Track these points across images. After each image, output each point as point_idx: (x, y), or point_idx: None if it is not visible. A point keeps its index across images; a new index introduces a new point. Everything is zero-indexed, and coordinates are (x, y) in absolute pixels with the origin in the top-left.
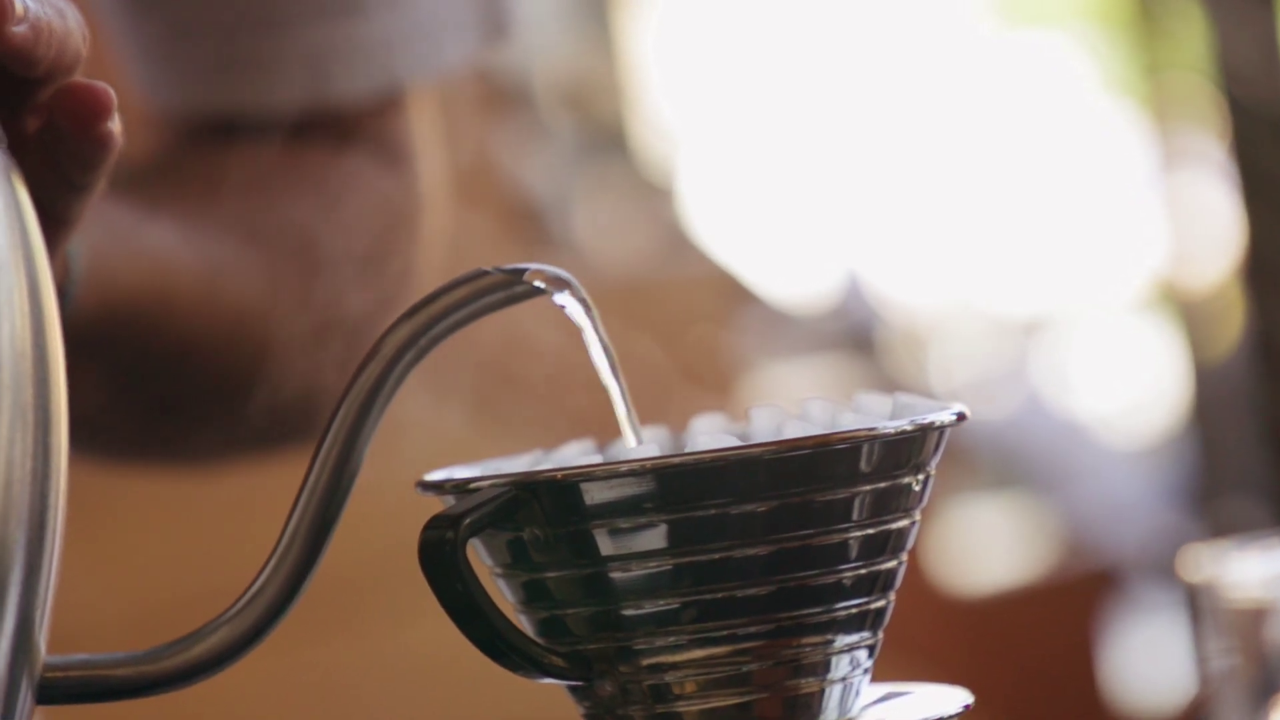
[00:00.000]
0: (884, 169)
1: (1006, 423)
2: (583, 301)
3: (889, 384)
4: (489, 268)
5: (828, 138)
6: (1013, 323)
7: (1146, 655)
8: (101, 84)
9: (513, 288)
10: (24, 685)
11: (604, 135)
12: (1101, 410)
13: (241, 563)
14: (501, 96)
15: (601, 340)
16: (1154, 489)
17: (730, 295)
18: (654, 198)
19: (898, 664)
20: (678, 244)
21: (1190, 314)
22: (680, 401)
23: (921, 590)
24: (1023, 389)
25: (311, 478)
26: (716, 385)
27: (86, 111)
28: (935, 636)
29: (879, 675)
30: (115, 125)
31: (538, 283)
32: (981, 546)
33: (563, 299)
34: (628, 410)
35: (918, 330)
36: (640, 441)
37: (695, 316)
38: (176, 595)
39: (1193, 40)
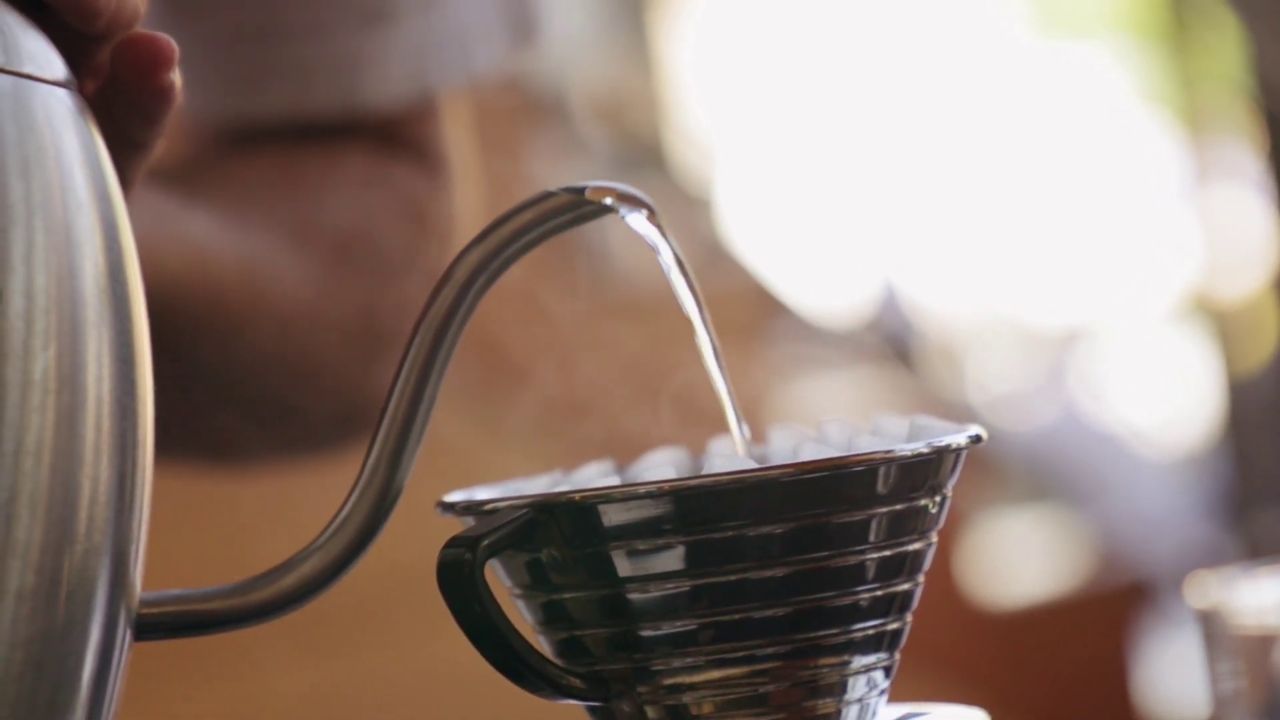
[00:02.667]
0: (920, 180)
1: (1040, 434)
2: (651, 214)
3: (924, 396)
4: (554, 189)
5: (863, 149)
6: (1048, 334)
7: (1178, 669)
8: (163, 35)
9: (580, 207)
10: (122, 621)
11: (639, 147)
12: (1136, 422)
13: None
14: (537, 109)
15: (674, 251)
16: (1188, 502)
17: (766, 308)
18: (689, 210)
19: (929, 676)
20: (713, 256)
21: (1225, 326)
22: (714, 414)
23: (954, 602)
24: (1057, 401)
25: (392, 403)
26: (751, 398)
27: (148, 61)
28: (967, 648)
29: (910, 686)
30: (176, 77)
31: (607, 200)
32: (1014, 558)
33: (630, 214)
34: (706, 325)
35: (953, 342)
36: (718, 355)
37: (731, 329)
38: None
39: (1228, 52)
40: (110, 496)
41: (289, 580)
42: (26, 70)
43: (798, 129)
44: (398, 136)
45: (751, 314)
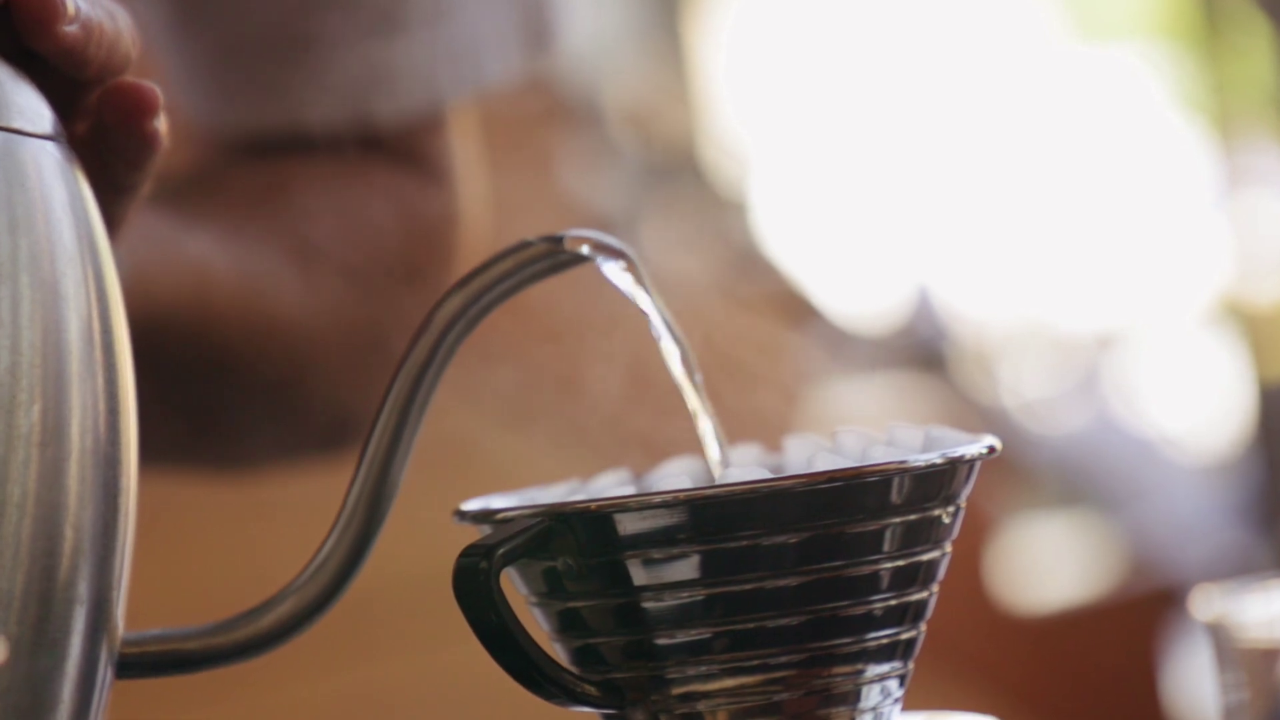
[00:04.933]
0: (953, 185)
1: (1072, 439)
2: (628, 262)
3: (957, 401)
4: (531, 238)
5: (896, 154)
6: (1080, 340)
7: (1208, 675)
8: (148, 83)
9: (557, 256)
10: (103, 659)
11: (672, 152)
12: (1167, 428)
13: (283, 566)
14: (569, 114)
15: (652, 299)
16: (1219, 507)
17: (799, 312)
18: (722, 215)
19: (957, 680)
20: (747, 261)
21: (1256, 331)
22: (752, 416)
23: (984, 607)
24: (1089, 406)
25: (370, 448)
26: (785, 403)
27: (134, 109)
28: (997, 653)
29: (938, 691)
30: (161, 124)
31: (584, 249)
32: (1045, 563)
33: (606, 263)
34: (690, 370)
35: (986, 347)
36: (699, 391)
37: (764, 334)
38: (220, 599)
39: (1260, 57)
40: (94, 545)
41: (267, 620)
42: (16, 125)
43: (831, 133)
44: (405, 150)
45: (784, 319)
